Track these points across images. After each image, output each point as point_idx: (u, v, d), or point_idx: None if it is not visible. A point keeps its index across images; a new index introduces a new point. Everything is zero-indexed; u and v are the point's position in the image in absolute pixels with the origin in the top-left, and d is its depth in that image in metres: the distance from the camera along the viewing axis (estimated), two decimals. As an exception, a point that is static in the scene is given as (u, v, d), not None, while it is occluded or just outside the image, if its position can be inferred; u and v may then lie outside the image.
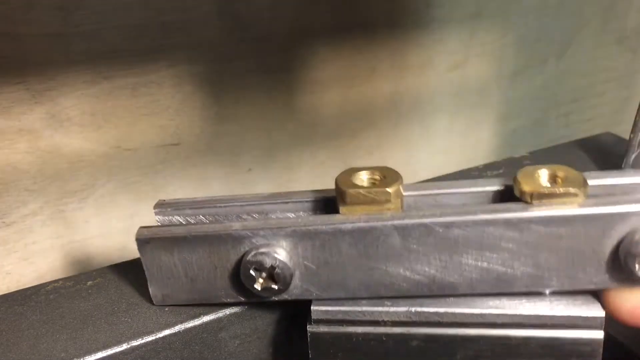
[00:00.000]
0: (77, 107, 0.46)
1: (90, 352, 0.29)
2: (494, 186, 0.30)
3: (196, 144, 0.53)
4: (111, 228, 0.52)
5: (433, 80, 0.66)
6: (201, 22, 0.49)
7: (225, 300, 0.31)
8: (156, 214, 0.32)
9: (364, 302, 0.30)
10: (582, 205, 0.27)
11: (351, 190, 0.28)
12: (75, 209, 0.50)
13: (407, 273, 0.29)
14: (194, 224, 0.31)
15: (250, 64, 0.53)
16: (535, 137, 0.80)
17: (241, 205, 0.32)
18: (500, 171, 0.47)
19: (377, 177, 0.30)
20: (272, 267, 0.29)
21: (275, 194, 0.32)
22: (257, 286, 0.29)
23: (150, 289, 0.32)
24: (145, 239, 0.30)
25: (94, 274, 0.34)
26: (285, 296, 0.30)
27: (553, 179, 0.28)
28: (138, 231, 0.31)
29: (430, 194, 0.31)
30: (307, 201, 0.31)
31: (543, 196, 0.27)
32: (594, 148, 0.51)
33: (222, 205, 0.32)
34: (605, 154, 0.50)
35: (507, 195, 0.29)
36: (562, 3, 0.72)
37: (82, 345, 0.30)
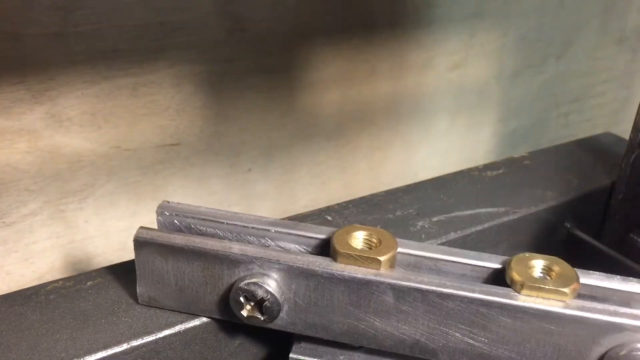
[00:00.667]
0: (77, 107, 0.46)
1: (90, 352, 0.29)
2: (494, 263, 0.30)
3: (196, 144, 0.53)
4: (111, 228, 0.52)
5: (433, 80, 0.66)
6: (201, 22, 0.49)
7: (208, 315, 0.31)
8: (158, 214, 0.32)
9: (341, 357, 0.31)
10: (567, 305, 0.27)
11: (343, 252, 0.29)
12: (75, 209, 0.50)
13: (393, 331, 0.29)
14: (193, 235, 0.31)
15: (250, 64, 0.53)
16: (535, 137, 0.80)
17: (244, 227, 0.31)
18: (500, 171, 0.47)
19: (373, 240, 0.30)
20: (263, 300, 0.29)
21: (280, 222, 0.32)
22: (244, 313, 0.30)
23: (137, 288, 0.32)
24: (143, 241, 0.30)
25: (94, 274, 0.34)
26: (268, 325, 0.30)
27: (547, 271, 0.29)
28: (138, 231, 0.31)
29: (431, 258, 0.31)
30: (311, 237, 0.31)
31: (532, 288, 0.27)
32: (594, 148, 0.51)
33: (226, 221, 0.32)
34: (605, 154, 0.50)
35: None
36: (562, 3, 0.72)
37: (82, 345, 0.30)
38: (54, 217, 0.49)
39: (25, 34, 0.42)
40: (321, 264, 0.29)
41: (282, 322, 0.30)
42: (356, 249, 0.29)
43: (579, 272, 0.29)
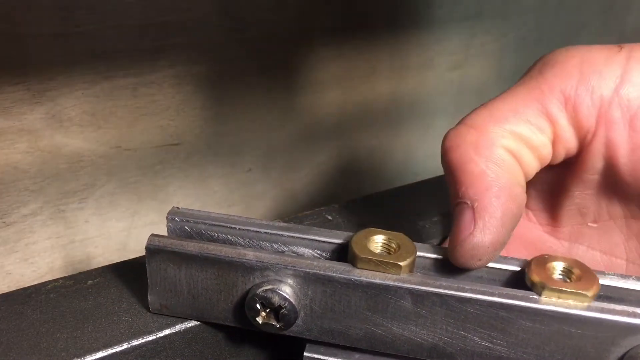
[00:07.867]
0: (77, 107, 0.46)
1: (90, 351, 0.29)
2: (512, 266, 0.30)
3: (196, 144, 0.54)
4: (111, 228, 0.52)
5: (433, 81, 0.66)
6: (201, 22, 0.49)
7: (222, 322, 0.31)
8: (168, 221, 0.31)
9: (357, 356, 0.30)
10: (589, 307, 0.27)
11: (363, 257, 0.29)
12: (75, 209, 0.50)
13: (411, 336, 0.29)
14: (207, 242, 0.31)
15: (250, 64, 0.53)
16: (535, 137, 0.80)
17: (256, 232, 0.31)
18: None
19: (392, 245, 0.30)
20: (280, 307, 0.29)
21: (293, 227, 0.31)
22: (259, 319, 0.29)
23: (149, 297, 0.31)
24: (155, 249, 0.30)
25: (94, 274, 0.34)
26: (283, 332, 0.30)
27: (567, 273, 0.28)
28: (150, 238, 0.30)
29: (445, 259, 0.30)
30: (324, 241, 0.31)
31: (552, 291, 0.27)
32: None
33: (237, 227, 0.31)
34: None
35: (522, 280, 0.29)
36: (562, 3, 0.72)
37: (82, 345, 0.30)
38: (54, 217, 0.49)
39: (25, 34, 0.42)
40: (338, 269, 0.29)
41: (297, 328, 0.30)
42: (375, 253, 0.29)
43: (601, 274, 0.29)
